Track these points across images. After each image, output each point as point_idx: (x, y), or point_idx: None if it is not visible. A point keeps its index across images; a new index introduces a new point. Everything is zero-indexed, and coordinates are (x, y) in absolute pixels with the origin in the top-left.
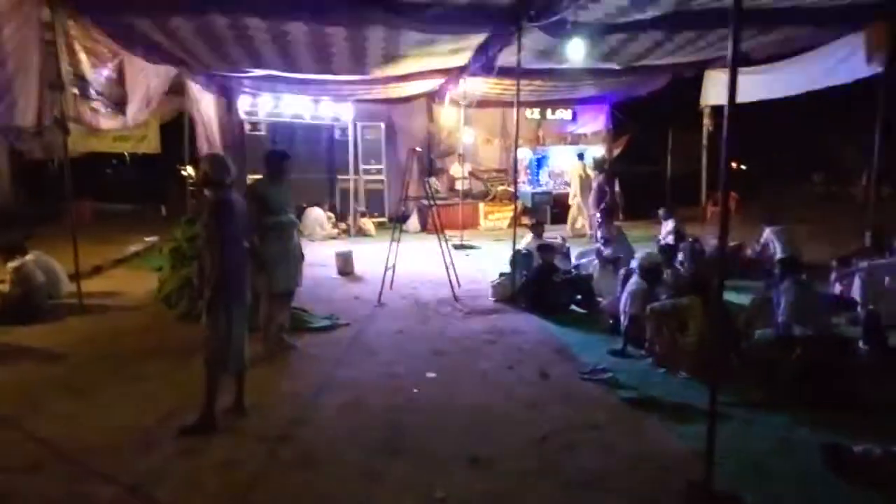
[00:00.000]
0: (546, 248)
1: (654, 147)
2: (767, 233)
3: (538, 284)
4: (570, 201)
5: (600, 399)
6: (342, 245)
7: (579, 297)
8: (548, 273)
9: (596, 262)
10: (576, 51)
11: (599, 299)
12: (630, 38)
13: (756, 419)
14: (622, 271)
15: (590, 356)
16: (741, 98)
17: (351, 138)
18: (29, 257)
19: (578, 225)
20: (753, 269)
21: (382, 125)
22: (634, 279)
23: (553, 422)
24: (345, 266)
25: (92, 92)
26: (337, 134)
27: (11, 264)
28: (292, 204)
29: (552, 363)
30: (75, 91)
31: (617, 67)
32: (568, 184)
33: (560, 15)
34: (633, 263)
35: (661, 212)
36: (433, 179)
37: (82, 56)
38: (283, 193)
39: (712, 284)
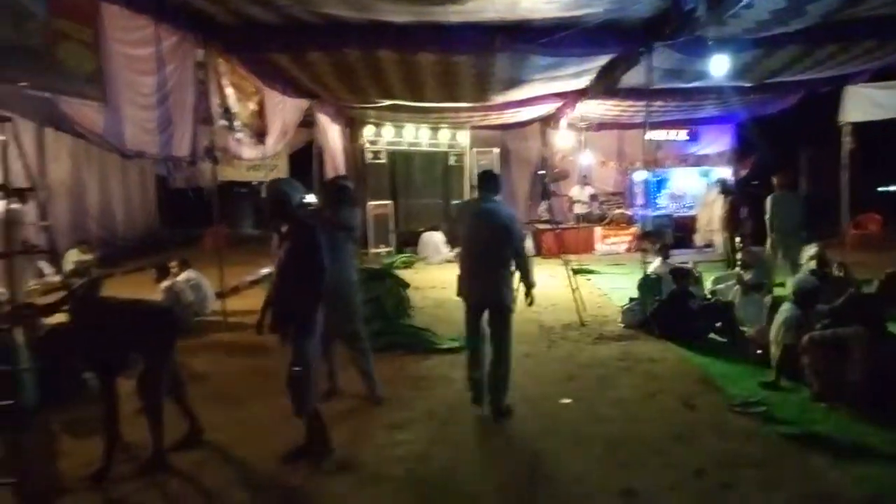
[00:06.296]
0: (680, 273)
1: (784, 167)
2: None
3: (673, 311)
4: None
5: (756, 434)
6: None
7: (719, 324)
8: (683, 299)
9: (736, 288)
10: (718, 68)
11: (742, 328)
12: (766, 54)
13: None
14: (768, 298)
15: (737, 388)
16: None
17: (467, 164)
18: (181, 277)
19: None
20: None
21: (497, 150)
22: (787, 306)
23: (706, 456)
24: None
25: (237, 124)
26: (452, 160)
27: (163, 284)
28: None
29: (696, 394)
30: (223, 123)
31: (748, 85)
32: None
33: (698, 32)
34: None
35: (801, 235)
36: (549, 203)
37: (229, 91)
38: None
39: (881, 313)
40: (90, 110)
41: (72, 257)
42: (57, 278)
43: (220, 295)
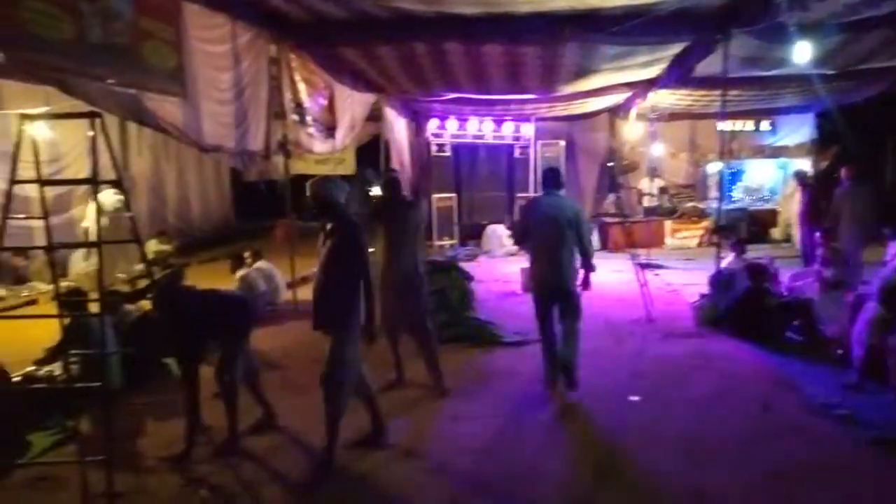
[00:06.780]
0: (756, 270)
1: (871, 159)
2: None
3: (748, 308)
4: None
5: (837, 437)
6: (522, 261)
7: (796, 323)
8: (759, 296)
9: (815, 285)
10: (800, 55)
11: (821, 327)
12: (853, 39)
13: None
14: (850, 296)
15: (817, 389)
16: None
17: (531, 156)
18: (254, 267)
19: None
20: None
21: (562, 143)
22: (872, 305)
23: (783, 458)
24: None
25: (308, 119)
26: (517, 152)
27: (238, 273)
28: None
29: (772, 394)
30: (295, 118)
31: (831, 72)
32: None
33: (780, 18)
34: (867, 288)
35: (886, 231)
36: (617, 196)
37: (301, 86)
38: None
39: None
40: (171, 106)
41: (151, 247)
42: (140, 267)
43: (291, 285)
